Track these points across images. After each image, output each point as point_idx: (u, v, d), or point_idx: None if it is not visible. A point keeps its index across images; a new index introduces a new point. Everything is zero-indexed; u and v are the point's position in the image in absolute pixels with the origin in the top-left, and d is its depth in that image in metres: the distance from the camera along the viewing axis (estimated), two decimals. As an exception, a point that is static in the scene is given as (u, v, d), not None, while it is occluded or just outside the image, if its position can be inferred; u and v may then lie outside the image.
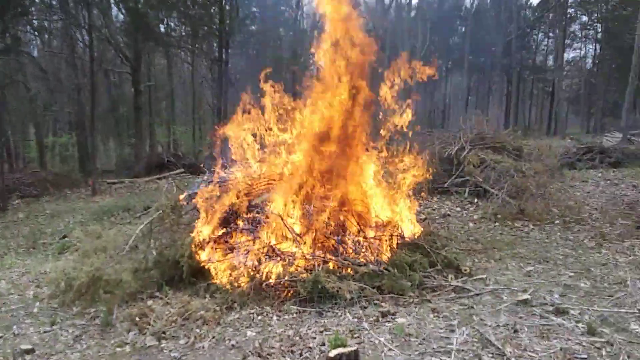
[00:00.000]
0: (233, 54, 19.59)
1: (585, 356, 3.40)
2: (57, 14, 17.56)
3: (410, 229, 6.06)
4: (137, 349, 3.86)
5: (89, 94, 15.23)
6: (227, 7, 19.47)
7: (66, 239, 8.40)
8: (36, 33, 20.67)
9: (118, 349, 3.88)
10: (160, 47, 21.47)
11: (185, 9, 18.86)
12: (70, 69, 18.21)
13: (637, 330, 3.80)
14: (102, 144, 23.75)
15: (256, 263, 4.97)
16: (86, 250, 5.20)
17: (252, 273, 4.81)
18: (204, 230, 5.37)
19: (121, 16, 20.08)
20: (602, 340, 3.64)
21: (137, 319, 4.23)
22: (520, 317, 4.09)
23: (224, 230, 5.54)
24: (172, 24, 22.53)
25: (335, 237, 5.32)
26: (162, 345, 3.90)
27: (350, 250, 5.28)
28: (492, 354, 3.47)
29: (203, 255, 5.12)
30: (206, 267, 5.03)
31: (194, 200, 5.83)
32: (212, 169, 6.34)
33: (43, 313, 4.73)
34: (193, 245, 5.09)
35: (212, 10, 19.02)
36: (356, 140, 5.94)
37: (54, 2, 17.08)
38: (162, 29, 21.23)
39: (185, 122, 26.57)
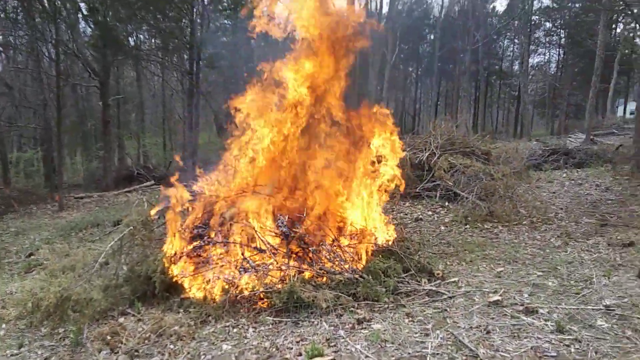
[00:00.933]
0: (204, 65, 19.38)
1: (554, 354, 3.49)
2: (22, 29, 17.12)
3: (384, 235, 6.12)
4: (109, 368, 3.77)
5: (55, 108, 14.84)
6: (198, 20, 19.30)
7: (32, 257, 8.12)
8: (1, 49, 20.12)
9: (89, 370, 3.77)
10: (130, 60, 21.13)
11: (156, 22, 18.63)
12: (36, 84, 17.75)
13: (603, 327, 3.91)
14: (69, 157, 23.11)
15: (230, 276, 4.92)
16: (53, 269, 5.03)
17: (226, 286, 4.77)
18: (175, 244, 5.29)
19: (89, 30, 19.72)
20: (571, 337, 3.73)
21: (108, 337, 4.12)
22: (492, 318, 4.18)
23: (197, 243, 5.47)
24: (142, 37, 22.22)
25: (310, 247, 5.32)
26: (135, 364, 3.81)
27: (325, 260, 5.29)
28: (466, 356, 3.53)
29: (176, 270, 5.04)
30: (179, 281, 4.94)
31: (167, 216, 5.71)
32: (184, 182, 6.22)
33: (10, 335, 4.55)
34: (165, 260, 5.00)
35: (183, 23, 18.84)
36: (331, 149, 5.99)
37: (19, 18, 16.65)
38: (132, 42, 20.89)
39: (155, 134, 26.13)
